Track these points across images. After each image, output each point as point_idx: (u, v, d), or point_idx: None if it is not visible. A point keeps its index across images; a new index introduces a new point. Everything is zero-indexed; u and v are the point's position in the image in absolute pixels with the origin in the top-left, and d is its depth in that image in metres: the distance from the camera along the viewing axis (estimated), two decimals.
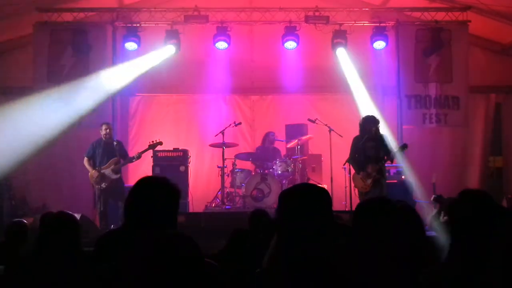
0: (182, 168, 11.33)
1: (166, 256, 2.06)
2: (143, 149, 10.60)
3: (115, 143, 10.43)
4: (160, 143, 10.70)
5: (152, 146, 10.65)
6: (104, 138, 10.44)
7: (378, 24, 12.10)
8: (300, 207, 2.52)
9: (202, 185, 12.34)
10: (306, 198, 2.55)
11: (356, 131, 9.90)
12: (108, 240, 3.38)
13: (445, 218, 7.24)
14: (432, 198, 8.32)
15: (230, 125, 11.60)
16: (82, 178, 10.89)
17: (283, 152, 12.14)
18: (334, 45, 12.07)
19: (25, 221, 6.46)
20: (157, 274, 2.04)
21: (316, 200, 2.55)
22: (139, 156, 10.42)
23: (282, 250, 2.48)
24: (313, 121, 11.51)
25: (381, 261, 2.55)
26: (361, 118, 9.90)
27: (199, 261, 2.13)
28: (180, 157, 11.44)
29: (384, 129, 10.07)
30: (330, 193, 10.40)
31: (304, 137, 11.80)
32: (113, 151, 10.34)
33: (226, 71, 12.52)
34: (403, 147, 9.77)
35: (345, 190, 10.44)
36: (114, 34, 12.14)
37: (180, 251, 2.08)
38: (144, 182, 2.90)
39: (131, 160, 10.50)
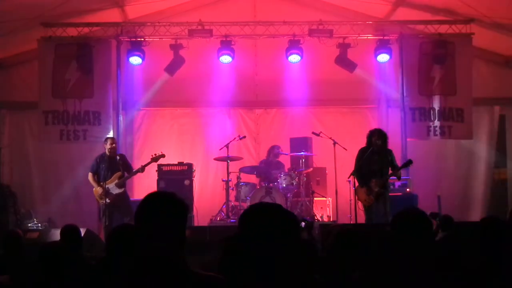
0: (186, 182, 11.34)
1: None
2: (146, 162, 10.60)
3: (118, 157, 10.39)
4: (163, 156, 10.68)
5: (155, 159, 10.64)
6: (108, 153, 10.40)
7: (381, 37, 12.12)
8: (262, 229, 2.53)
9: (207, 199, 12.32)
10: (269, 220, 2.56)
11: (360, 144, 9.89)
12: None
13: (441, 235, 7.21)
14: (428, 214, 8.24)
15: (234, 138, 11.63)
16: (87, 192, 10.93)
17: (287, 165, 12.13)
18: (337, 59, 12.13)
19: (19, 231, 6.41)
20: None
21: (280, 222, 2.57)
22: (142, 169, 10.42)
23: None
24: (318, 134, 11.52)
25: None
26: (369, 131, 9.88)
27: None
28: (185, 171, 11.45)
29: (389, 143, 10.02)
30: (335, 206, 10.31)
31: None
32: (117, 166, 10.32)
33: (230, 84, 12.56)
34: (408, 163, 9.75)
35: (350, 203, 10.40)
36: (118, 48, 12.15)
37: None
38: (152, 197, 2.89)
39: (134, 173, 10.50)
